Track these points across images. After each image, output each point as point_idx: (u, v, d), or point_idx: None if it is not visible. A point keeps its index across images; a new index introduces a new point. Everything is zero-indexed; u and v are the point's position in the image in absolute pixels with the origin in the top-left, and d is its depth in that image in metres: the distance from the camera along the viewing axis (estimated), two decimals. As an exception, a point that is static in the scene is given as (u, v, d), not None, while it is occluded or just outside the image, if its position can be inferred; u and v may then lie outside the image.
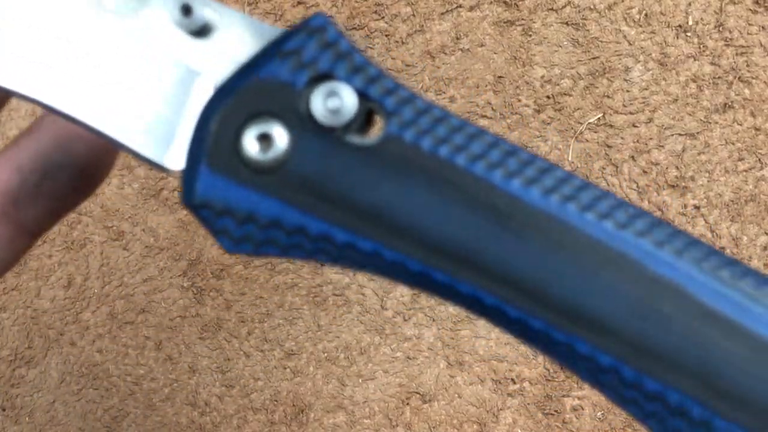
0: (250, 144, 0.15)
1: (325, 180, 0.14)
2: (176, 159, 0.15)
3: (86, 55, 0.15)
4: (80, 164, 0.18)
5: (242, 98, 0.15)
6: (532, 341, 0.14)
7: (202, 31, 0.15)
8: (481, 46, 0.64)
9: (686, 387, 0.14)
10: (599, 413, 0.55)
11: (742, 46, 0.61)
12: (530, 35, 0.63)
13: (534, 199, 0.14)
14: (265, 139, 0.15)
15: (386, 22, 0.64)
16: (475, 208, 0.14)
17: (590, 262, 0.14)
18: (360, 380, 0.64)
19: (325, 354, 0.64)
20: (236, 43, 0.15)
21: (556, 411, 0.58)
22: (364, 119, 0.15)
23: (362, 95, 0.15)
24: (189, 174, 0.15)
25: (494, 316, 0.14)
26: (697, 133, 0.61)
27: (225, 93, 0.15)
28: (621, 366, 0.14)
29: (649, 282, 0.14)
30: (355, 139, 0.14)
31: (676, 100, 0.62)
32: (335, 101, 0.14)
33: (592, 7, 0.63)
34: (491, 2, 0.64)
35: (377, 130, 0.15)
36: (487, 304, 0.14)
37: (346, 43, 0.15)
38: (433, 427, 0.63)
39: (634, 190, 0.61)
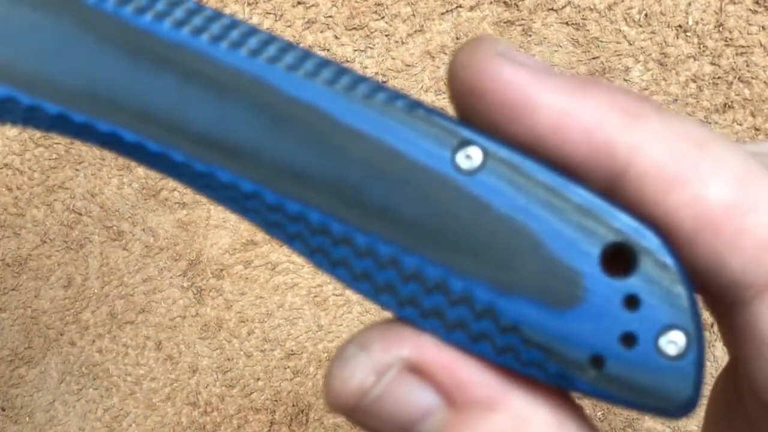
0: None
1: None
2: None
3: None
4: None
5: None
6: (177, 176, 0.15)
7: None
8: (481, 46, 0.64)
9: (325, 205, 0.14)
10: (599, 413, 0.55)
11: (742, 46, 0.61)
12: (530, 35, 0.63)
13: (165, 31, 0.14)
14: None
15: (386, 22, 0.64)
16: (106, 45, 0.14)
17: (224, 90, 0.14)
18: (360, 380, 0.64)
19: (326, 354, 0.64)
20: None
21: (556, 411, 0.58)
22: None
23: None
24: None
25: (136, 153, 0.14)
26: (697, 133, 0.61)
27: None
28: (262, 190, 0.14)
29: (282, 104, 0.14)
30: None
31: (676, 100, 0.62)
32: None
33: (592, 7, 0.63)
34: (491, 2, 0.64)
35: None
36: (127, 141, 0.14)
37: None
38: (434, 427, 0.63)
39: (634, 190, 0.61)
